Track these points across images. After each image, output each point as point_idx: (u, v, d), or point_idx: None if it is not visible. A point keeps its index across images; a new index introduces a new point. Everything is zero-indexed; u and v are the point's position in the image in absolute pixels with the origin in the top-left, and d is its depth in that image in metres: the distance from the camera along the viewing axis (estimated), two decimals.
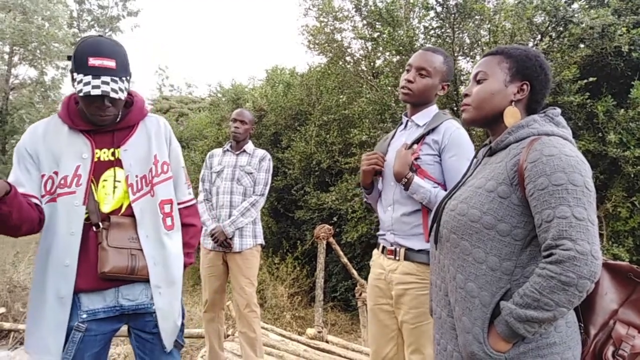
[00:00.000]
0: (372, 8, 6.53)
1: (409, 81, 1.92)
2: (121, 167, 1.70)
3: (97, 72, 1.56)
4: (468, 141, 1.87)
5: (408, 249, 1.86)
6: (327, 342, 4.52)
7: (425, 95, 1.94)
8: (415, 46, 5.82)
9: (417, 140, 1.90)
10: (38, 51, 13.18)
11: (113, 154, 1.71)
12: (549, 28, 5.33)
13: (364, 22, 6.92)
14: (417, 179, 1.83)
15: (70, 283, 1.61)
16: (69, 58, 1.67)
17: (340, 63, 7.68)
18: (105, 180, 1.69)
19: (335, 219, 7.84)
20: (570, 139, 1.27)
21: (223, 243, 3.16)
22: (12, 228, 1.53)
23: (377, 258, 2.02)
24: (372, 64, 7.48)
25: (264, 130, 9.50)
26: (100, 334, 1.69)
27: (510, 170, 1.23)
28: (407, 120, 2.02)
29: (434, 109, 1.99)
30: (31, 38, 12.61)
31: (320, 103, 8.56)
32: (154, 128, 1.80)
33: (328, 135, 8.17)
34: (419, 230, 1.85)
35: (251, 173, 3.27)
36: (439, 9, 5.78)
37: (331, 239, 4.84)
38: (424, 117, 1.96)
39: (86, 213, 1.65)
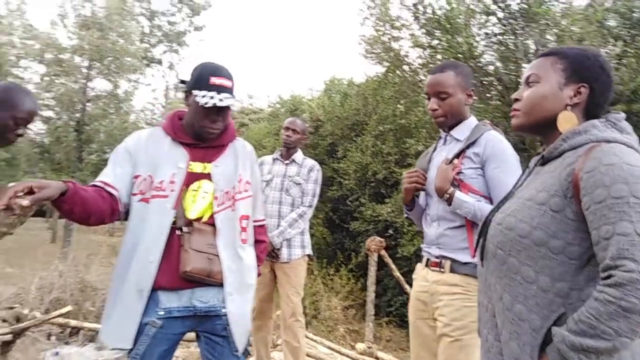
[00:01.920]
0: (431, 16, 6.41)
1: (434, 110, 1.93)
2: (210, 180, 1.87)
3: (218, 89, 1.79)
4: (510, 151, 1.85)
5: (454, 261, 1.83)
6: (376, 358, 4.41)
7: (456, 113, 1.94)
8: (475, 53, 5.64)
9: (458, 155, 1.89)
10: (113, 65, 14.07)
11: (205, 167, 1.88)
12: (623, 31, 4.98)
13: (422, 30, 6.80)
14: (459, 194, 1.81)
15: (150, 278, 1.74)
16: (182, 82, 1.92)
17: (398, 72, 7.59)
18: (194, 190, 1.85)
19: (390, 231, 7.69)
20: (636, 147, 1.13)
21: (271, 253, 3.16)
22: (79, 220, 1.72)
23: (421, 271, 1.99)
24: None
25: (320, 141, 9.54)
26: (171, 333, 1.79)
27: (564, 181, 1.12)
28: (446, 135, 2.02)
29: (472, 121, 1.98)
30: (106, 53, 13.50)
31: (377, 113, 8.50)
32: (241, 150, 1.99)
33: (384, 146, 8.07)
34: (465, 245, 1.82)
35: (299, 184, 3.26)
36: (500, 14, 5.57)
37: (383, 252, 4.73)
38: (462, 131, 1.95)
39: (174, 217, 1.79)
